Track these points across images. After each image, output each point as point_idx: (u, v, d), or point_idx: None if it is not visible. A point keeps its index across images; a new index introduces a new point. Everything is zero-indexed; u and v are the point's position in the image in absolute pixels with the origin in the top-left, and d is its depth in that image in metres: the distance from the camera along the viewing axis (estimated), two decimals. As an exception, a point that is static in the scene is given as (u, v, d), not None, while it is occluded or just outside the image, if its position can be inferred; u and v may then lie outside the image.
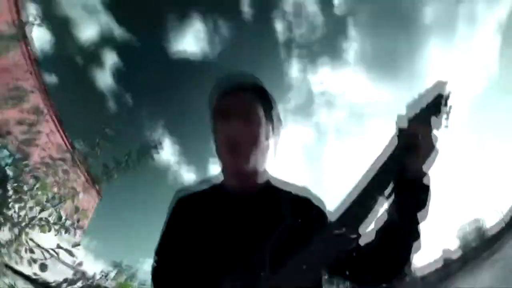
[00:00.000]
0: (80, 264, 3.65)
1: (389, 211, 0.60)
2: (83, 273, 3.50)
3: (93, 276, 3.55)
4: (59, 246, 3.44)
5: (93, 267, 3.97)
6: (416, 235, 0.59)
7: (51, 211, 2.81)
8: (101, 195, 6.64)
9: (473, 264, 16.20)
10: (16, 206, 2.65)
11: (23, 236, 2.43)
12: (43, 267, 2.82)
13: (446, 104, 0.62)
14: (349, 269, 0.61)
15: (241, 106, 0.65)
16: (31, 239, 2.47)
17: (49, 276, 3.35)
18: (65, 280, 3.28)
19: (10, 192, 2.73)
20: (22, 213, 2.61)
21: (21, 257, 2.59)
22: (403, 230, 0.59)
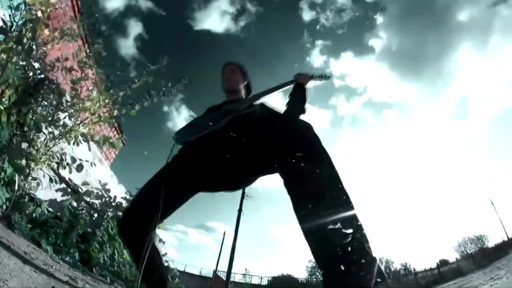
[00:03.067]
0: (106, 184, 4.00)
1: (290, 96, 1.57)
2: (107, 191, 3.83)
3: (115, 196, 3.87)
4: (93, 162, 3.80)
5: (116, 189, 4.30)
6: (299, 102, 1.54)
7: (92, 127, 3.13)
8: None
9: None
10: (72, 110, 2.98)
11: (73, 133, 2.72)
12: (80, 168, 3.15)
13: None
14: None
15: (232, 67, 1.72)
16: (78, 136, 2.76)
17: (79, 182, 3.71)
18: (92, 192, 3.63)
19: (68, 98, 3.07)
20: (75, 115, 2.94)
21: (64, 154, 2.92)
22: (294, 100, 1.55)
